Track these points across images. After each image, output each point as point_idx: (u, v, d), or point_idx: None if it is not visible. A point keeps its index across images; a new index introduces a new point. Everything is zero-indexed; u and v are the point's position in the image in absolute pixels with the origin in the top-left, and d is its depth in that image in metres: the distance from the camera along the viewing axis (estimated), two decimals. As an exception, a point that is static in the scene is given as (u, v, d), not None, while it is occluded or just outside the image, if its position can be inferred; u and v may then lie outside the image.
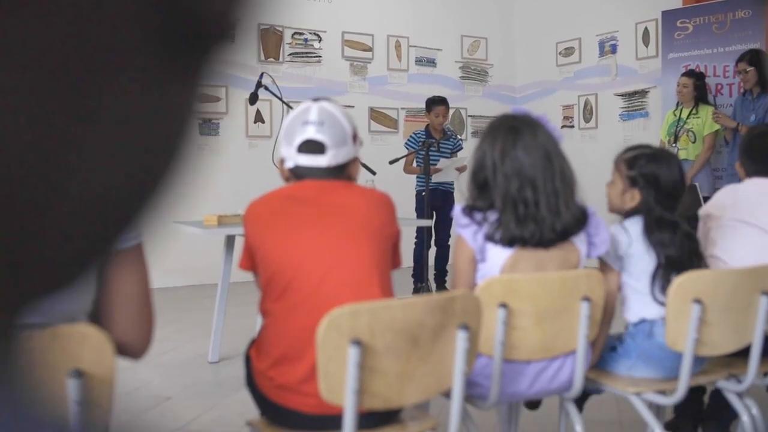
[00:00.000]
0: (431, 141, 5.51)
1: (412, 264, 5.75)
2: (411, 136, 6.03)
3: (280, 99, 4.16)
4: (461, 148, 6.03)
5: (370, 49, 8.18)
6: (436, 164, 5.58)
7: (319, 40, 7.83)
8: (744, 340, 2.22)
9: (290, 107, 3.76)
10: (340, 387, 1.55)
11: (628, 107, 7.86)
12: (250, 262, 1.90)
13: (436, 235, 5.95)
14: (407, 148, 5.92)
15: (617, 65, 7.96)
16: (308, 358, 1.69)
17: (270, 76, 4.30)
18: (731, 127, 5.68)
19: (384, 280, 1.86)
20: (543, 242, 1.99)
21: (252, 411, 1.97)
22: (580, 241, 2.07)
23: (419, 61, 8.48)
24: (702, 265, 2.29)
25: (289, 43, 7.63)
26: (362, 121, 7.86)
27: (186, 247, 5.08)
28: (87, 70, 0.19)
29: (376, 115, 8.16)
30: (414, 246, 5.73)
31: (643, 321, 2.27)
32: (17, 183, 0.19)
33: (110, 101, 0.20)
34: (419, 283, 5.63)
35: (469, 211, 2.03)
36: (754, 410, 2.32)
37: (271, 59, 7.43)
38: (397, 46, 8.35)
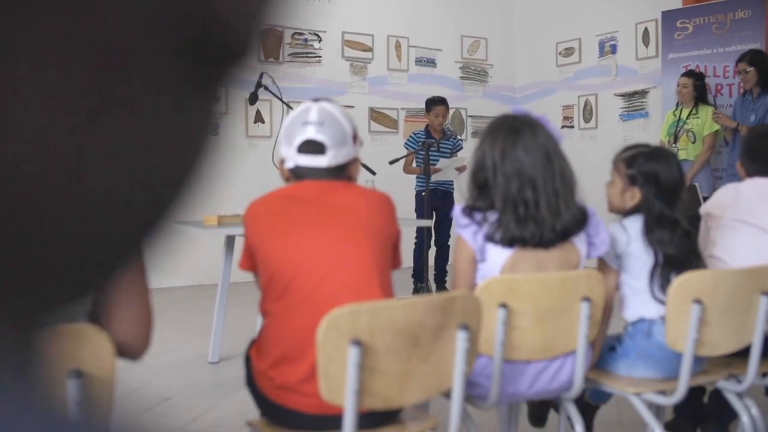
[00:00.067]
0: (431, 141, 5.51)
1: (412, 264, 5.75)
2: (411, 136, 6.04)
3: (280, 99, 4.16)
4: (461, 148, 6.03)
5: (370, 50, 8.18)
6: (435, 164, 5.58)
7: (319, 40, 7.83)
8: (744, 340, 2.22)
9: (290, 107, 3.76)
10: (340, 387, 1.55)
11: (628, 107, 7.86)
12: (250, 262, 1.90)
13: (436, 236, 5.95)
14: (407, 148, 5.92)
15: (617, 65, 7.96)
16: (308, 358, 1.69)
17: (270, 76, 4.30)
18: (731, 127, 5.68)
19: (384, 280, 1.86)
20: (543, 242, 1.99)
21: (252, 411, 1.97)
22: (580, 241, 2.07)
23: (419, 62, 8.48)
24: (700, 264, 2.29)
25: (289, 43, 7.63)
26: (362, 122, 7.86)
27: (186, 247, 5.07)
28: (110, 80, 0.20)
29: (376, 115, 8.17)
30: (414, 246, 5.73)
31: (641, 320, 2.27)
32: (45, 189, 0.19)
33: (131, 112, 0.21)
34: (419, 283, 5.63)
35: (469, 211, 2.03)
36: (754, 410, 2.32)
37: (271, 59, 7.44)
38: (397, 46, 8.35)
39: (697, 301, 2.08)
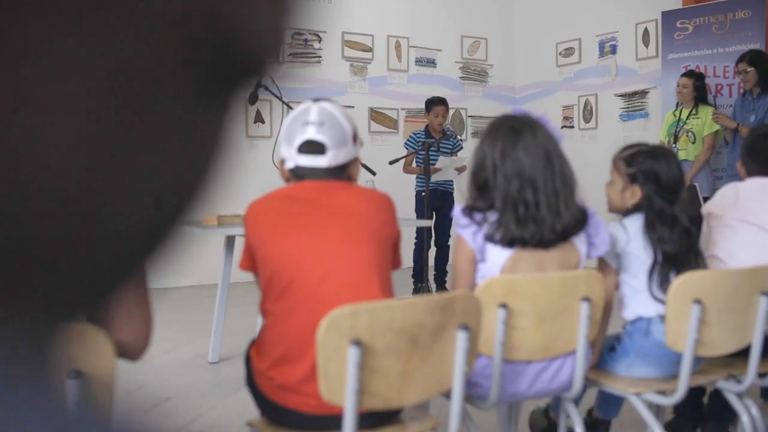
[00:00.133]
0: (431, 141, 5.51)
1: (412, 264, 5.75)
2: (410, 136, 6.04)
3: (280, 99, 4.16)
4: (461, 148, 6.03)
5: (370, 50, 8.18)
6: (435, 164, 5.58)
7: (319, 41, 7.83)
8: (744, 340, 2.22)
9: (290, 107, 3.76)
10: (340, 387, 1.55)
11: (628, 108, 7.86)
12: (251, 262, 1.90)
13: (436, 236, 5.95)
14: (407, 148, 5.92)
15: (617, 66, 7.96)
16: (308, 358, 1.69)
17: (270, 76, 4.29)
18: (731, 127, 5.68)
19: (384, 280, 1.86)
20: (543, 243, 1.99)
21: (252, 411, 1.97)
22: (580, 241, 2.07)
23: (419, 62, 8.48)
24: (700, 261, 2.30)
25: (289, 44, 7.62)
26: (362, 122, 7.86)
27: (192, 251, 5.07)
28: (130, 98, 0.20)
29: (376, 115, 8.17)
30: (414, 246, 5.73)
31: (639, 319, 2.27)
32: (62, 198, 0.20)
33: (146, 124, 0.21)
34: (419, 284, 5.63)
35: (468, 211, 2.03)
36: (754, 410, 2.32)
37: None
38: (397, 46, 8.35)
39: (697, 302, 2.08)
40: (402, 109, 8.31)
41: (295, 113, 1.94)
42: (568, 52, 8.48)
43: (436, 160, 5.60)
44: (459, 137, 6.37)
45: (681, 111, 6.02)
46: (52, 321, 0.22)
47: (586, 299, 2.01)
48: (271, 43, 0.23)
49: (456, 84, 8.68)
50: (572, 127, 8.36)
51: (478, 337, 1.75)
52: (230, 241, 4.11)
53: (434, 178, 5.55)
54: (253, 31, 0.22)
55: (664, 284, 2.23)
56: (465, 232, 2.02)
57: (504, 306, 1.92)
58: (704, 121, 5.85)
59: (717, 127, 5.79)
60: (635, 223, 2.28)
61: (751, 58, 5.60)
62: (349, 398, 1.55)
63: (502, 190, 1.99)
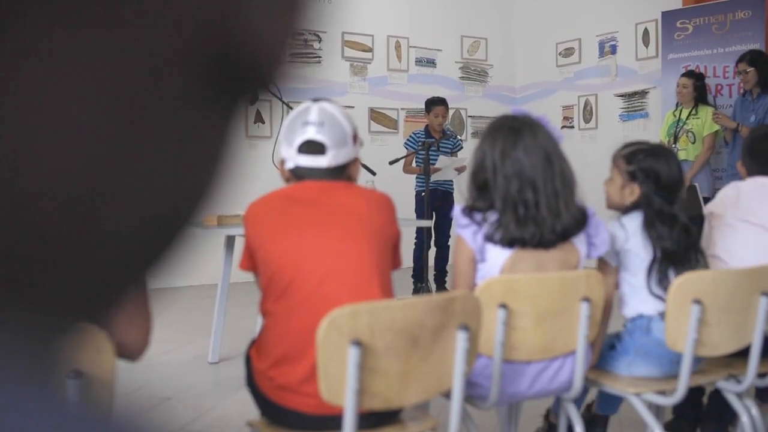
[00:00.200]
0: (431, 141, 5.51)
1: (412, 264, 5.74)
2: (410, 136, 6.04)
3: (280, 99, 4.16)
4: (461, 148, 6.03)
5: (370, 50, 8.18)
6: (435, 164, 5.58)
7: (319, 41, 7.83)
8: (744, 340, 2.22)
9: (290, 107, 3.76)
10: (340, 387, 1.55)
11: (628, 108, 7.86)
12: (251, 262, 1.90)
13: (436, 236, 5.95)
14: (407, 148, 5.92)
15: (617, 66, 7.96)
16: (308, 358, 1.69)
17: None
18: (731, 127, 5.68)
19: (384, 280, 1.86)
20: (543, 243, 2.00)
21: (252, 411, 1.97)
22: (579, 241, 2.07)
23: (419, 62, 8.48)
24: (700, 259, 2.30)
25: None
26: (362, 122, 7.86)
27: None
28: (135, 99, 0.20)
29: (376, 115, 8.17)
30: (414, 246, 5.73)
31: (640, 317, 2.27)
32: (72, 202, 0.20)
33: (154, 130, 0.21)
34: (419, 284, 5.63)
35: (468, 211, 2.03)
36: (754, 411, 2.32)
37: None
38: (397, 46, 8.35)
39: (697, 302, 2.08)
40: (402, 109, 8.31)
41: (295, 113, 1.94)
42: (568, 52, 8.48)
43: (436, 160, 5.60)
44: (459, 137, 6.37)
45: (681, 111, 6.02)
46: (57, 323, 0.22)
47: (586, 299, 2.01)
48: (278, 51, 0.23)
49: (456, 84, 8.68)
50: (572, 127, 8.36)
51: (478, 338, 1.75)
52: (230, 241, 4.11)
53: (434, 177, 5.55)
54: (260, 38, 0.22)
55: (663, 281, 2.23)
56: (465, 232, 2.02)
57: (504, 306, 1.92)
58: (704, 122, 5.85)
59: (717, 127, 5.79)
60: (634, 221, 2.28)
61: (751, 58, 5.60)
62: (349, 398, 1.55)
63: (502, 190, 1.99)
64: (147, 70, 0.20)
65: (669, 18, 6.84)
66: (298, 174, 1.92)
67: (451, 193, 5.90)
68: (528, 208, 1.98)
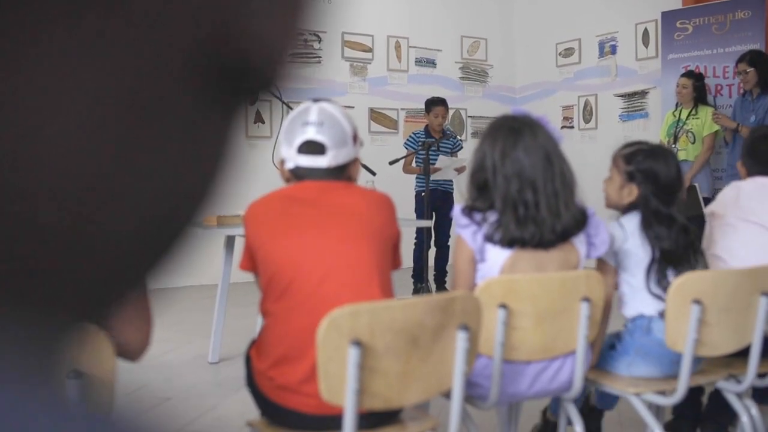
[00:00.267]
0: (431, 141, 5.51)
1: (412, 264, 5.74)
2: (410, 136, 6.04)
3: (280, 99, 4.16)
4: (461, 148, 6.03)
5: (370, 50, 8.18)
6: (435, 164, 5.58)
7: (319, 41, 7.83)
8: (744, 340, 2.22)
9: (290, 108, 3.77)
10: (340, 387, 1.55)
11: (628, 108, 7.86)
12: (251, 262, 1.90)
13: (436, 236, 5.95)
14: (406, 148, 5.92)
15: (617, 66, 7.96)
16: (308, 358, 1.69)
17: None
18: (731, 127, 5.68)
19: (384, 280, 1.86)
20: (543, 243, 2.00)
21: (252, 411, 1.97)
22: (579, 241, 2.07)
23: (419, 62, 8.48)
24: (699, 258, 2.30)
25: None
26: (362, 122, 7.86)
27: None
28: (136, 100, 0.20)
29: (376, 115, 8.17)
30: (414, 246, 5.73)
31: (640, 317, 2.28)
32: (74, 203, 0.20)
33: (155, 131, 0.21)
34: (419, 284, 5.63)
35: (468, 211, 2.03)
36: (754, 411, 2.32)
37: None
38: (397, 46, 8.35)
39: (697, 302, 2.08)
40: (402, 109, 8.31)
41: (295, 113, 1.94)
42: (568, 52, 8.48)
43: (436, 160, 5.60)
44: (459, 137, 6.37)
45: (681, 111, 6.02)
46: (57, 324, 0.23)
47: (586, 299, 2.01)
48: (278, 51, 0.23)
49: (456, 84, 8.68)
50: (572, 127, 8.36)
51: (478, 338, 1.75)
52: (230, 241, 4.11)
53: (434, 177, 5.55)
54: (260, 38, 0.22)
55: (662, 281, 2.23)
56: (465, 232, 2.02)
57: (504, 306, 1.92)
58: (704, 122, 5.85)
59: (717, 127, 5.79)
60: (632, 221, 2.29)
61: (751, 58, 5.60)
62: (349, 398, 1.55)
63: (501, 190, 1.99)
64: (147, 69, 0.20)
65: (669, 18, 6.85)
66: (298, 174, 1.92)
67: (451, 193, 5.90)
68: (528, 209, 1.98)
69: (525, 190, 1.98)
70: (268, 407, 1.86)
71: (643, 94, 7.68)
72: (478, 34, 8.89)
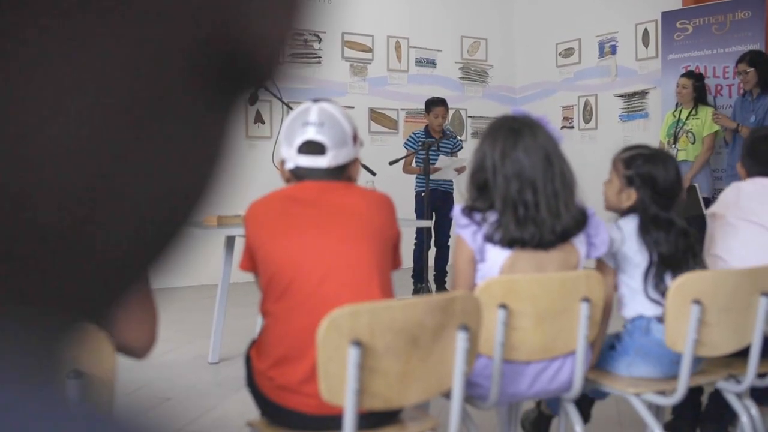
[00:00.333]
0: (431, 141, 5.51)
1: (411, 264, 5.74)
2: (410, 136, 6.04)
3: (280, 99, 4.16)
4: (461, 148, 6.03)
5: (370, 50, 8.18)
6: (435, 164, 5.58)
7: (319, 41, 7.83)
8: (744, 340, 2.22)
9: (290, 108, 3.77)
10: (340, 387, 1.55)
11: (628, 108, 7.86)
12: (251, 262, 1.90)
13: (436, 236, 5.95)
14: (406, 148, 5.92)
15: (617, 66, 7.96)
16: (308, 358, 1.69)
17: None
18: (731, 128, 5.68)
19: (384, 280, 1.86)
20: (542, 244, 2.00)
21: (252, 411, 1.97)
22: (579, 242, 2.07)
23: (419, 62, 8.48)
24: (698, 262, 2.30)
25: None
26: (362, 122, 7.86)
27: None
28: (136, 98, 0.20)
29: (376, 115, 8.17)
30: (414, 247, 5.73)
31: (640, 317, 2.28)
32: (74, 202, 0.20)
33: (155, 129, 0.21)
34: (419, 284, 5.63)
35: (468, 211, 2.03)
36: (753, 411, 2.32)
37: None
38: (397, 46, 8.35)
39: (697, 302, 2.08)
40: (402, 109, 8.31)
41: (295, 114, 1.94)
42: (568, 52, 8.48)
43: (436, 160, 5.60)
44: (459, 137, 6.37)
45: (681, 111, 6.02)
46: (57, 323, 0.23)
47: (586, 300, 2.01)
48: (278, 51, 0.23)
49: (456, 84, 8.68)
50: (572, 127, 8.36)
51: (478, 338, 1.75)
52: (230, 241, 4.11)
53: (434, 177, 5.55)
54: (260, 37, 0.22)
55: (659, 286, 2.23)
56: (465, 232, 2.02)
57: (504, 306, 1.92)
58: (704, 122, 5.85)
59: (717, 127, 5.79)
60: (630, 224, 2.29)
61: (751, 58, 5.60)
62: (349, 398, 1.55)
63: (501, 190, 1.99)
64: (147, 69, 0.20)
65: (669, 18, 6.85)
66: (298, 174, 1.92)
67: (451, 193, 5.90)
68: (528, 209, 1.98)
69: (525, 191, 1.98)
70: (268, 407, 1.86)
71: (643, 94, 7.68)
72: (478, 35, 8.89)
